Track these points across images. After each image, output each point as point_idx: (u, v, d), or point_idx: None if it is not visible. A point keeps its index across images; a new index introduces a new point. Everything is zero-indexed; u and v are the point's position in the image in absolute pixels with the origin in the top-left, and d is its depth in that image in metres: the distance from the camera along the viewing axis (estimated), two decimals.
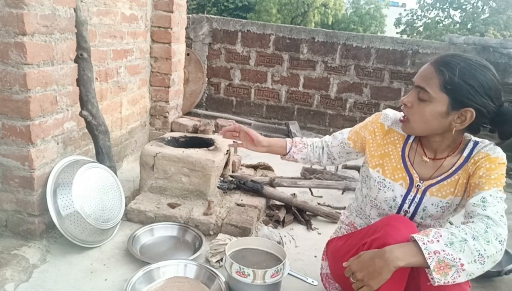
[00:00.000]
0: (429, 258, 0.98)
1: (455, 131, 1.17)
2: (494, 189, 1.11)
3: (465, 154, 1.22)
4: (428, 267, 0.98)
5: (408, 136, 1.31)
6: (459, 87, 1.10)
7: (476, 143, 1.23)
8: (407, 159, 1.29)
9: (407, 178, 1.28)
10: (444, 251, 0.98)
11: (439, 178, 1.24)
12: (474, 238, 1.00)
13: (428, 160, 1.26)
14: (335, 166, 1.59)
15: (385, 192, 1.30)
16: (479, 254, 0.99)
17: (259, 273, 1.44)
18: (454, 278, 0.98)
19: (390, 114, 1.37)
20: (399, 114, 1.34)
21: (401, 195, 1.28)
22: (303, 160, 1.55)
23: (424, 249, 0.99)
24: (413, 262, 1.00)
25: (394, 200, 1.29)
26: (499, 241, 1.01)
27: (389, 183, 1.30)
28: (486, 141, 1.23)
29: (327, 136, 1.56)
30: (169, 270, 1.64)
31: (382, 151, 1.34)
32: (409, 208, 1.28)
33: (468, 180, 1.20)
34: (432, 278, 0.99)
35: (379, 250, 1.04)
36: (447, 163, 1.24)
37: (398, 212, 1.30)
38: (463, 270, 0.98)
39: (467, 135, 1.26)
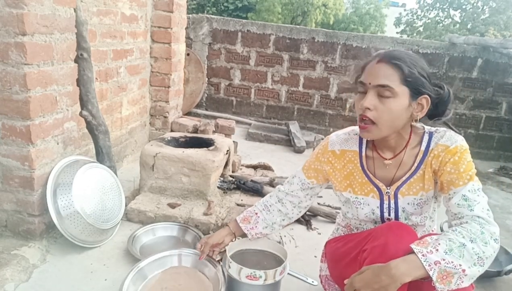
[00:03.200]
0: (431, 270, 0.98)
1: (417, 121, 1.19)
2: (470, 183, 1.12)
3: (423, 147, 1.22)
4: (431, 278, 0.98)
5: (360, 149, 1.31)
6: (416, 77, 1.13)
7: (431, 134, 1.23)
8: (367, 171, 1.29)
9: (375, 189, 1.28)
10: (444, 260, 0.98)
11: (404, 178, 1.24)
12: (472, 240, 1.01)
13: (390, 162, 1.25)
14: (304, 211, 1.56)
15: (362, 208, 1.31)
16: (478, 256, 1.00)
17: (270, 273, 1.44)
18: (458, 284, 0.99)
19: (334, 138, 1.37)
20: (342, 134, 1.37)
21: (377, 206, 1.29)
22: (267, 229, 1.52)
23: (424, 261, 0.99)
24: (418, 275, 1.00)
25: (373, 213, 1.30)
26: (494, 239, 1.03)
27: (362, 198, 1.31)
28: (440, 129, 1.24)
29: (279, 187, 1.53)
30: (164, 261, 1.59)
31: (344, 172, 1.34)
32: (389, 215, 1.28)
33: (436, 174, 1.20)
34: (436, 288, 1.00)
35: (384, 265, 1.03)
36: (407, 158, 1.24)
37: (382, 221, 1.30)
38: (465, 275, 0.99)
39: (420, 127, 1.26)
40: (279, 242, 1.93)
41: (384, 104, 1.14)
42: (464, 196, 1.11)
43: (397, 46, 4.15)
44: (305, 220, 2.28)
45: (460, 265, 0.98)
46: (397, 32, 18.31)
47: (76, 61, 1.81)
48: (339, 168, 1.35)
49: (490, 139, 4.42)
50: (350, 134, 1.36)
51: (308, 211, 2.34)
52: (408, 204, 1.26)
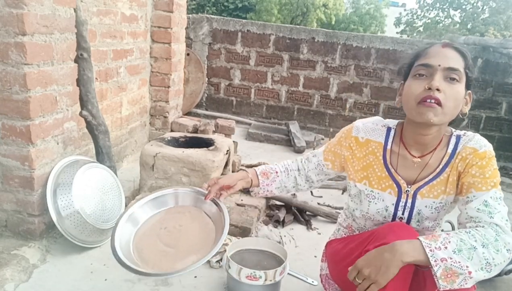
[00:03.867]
0: (436, 266, 0.97)
1: (465, 114, 1.19)
2: (493, 190, 1.10)
3: (450, 149, 1.21)
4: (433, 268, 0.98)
5: (386, 142, 1.28)
6: (472, 69, 1.14)
7: (458, 137, 1.22)
8: (390, 166, 1.26)
9: (394, 185, 1.25)
10: (451, 258, 0.97)
11: (426, 179, 1.22)
12: (484, 245, 1.00)
13: (419, 160, 1.23)
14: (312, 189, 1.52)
15: (375, 203, 1.28)
16: (487, 262, 0.98)
17: (270, 274, 1.44)
18: (461, 285, 0.98)
19: (360, 125, 1.33)
20: (368, 123, 1.33)
21: (392, 204, 1.26)
22: (278, 190, 1.45)
23: (431, 256, 0.98)
24: (420, 260, 0.99)
25: (386, 210, 1.27)
26: (507, 250, 1.01)
27: (378, 193, 1.27)
28: (469, 133, 1.22)
29: (301, 157, 1.48)
30: (166, 199, 1.46)
31: (363, 163, 1.30)
32: (403, 214, 1.25)
33: (459, 177, 1.18)
34: (438, 286, 0.99)
35: (388, 244, 1.03)
36: (433, 160, 1.22)
37: (393, 220, 1.28)
38: (471, 277, 0.97)
39: (448, 129, 1.25)
40: (279, 242, 1.93)
41: (452, 88, 1.11)
42: (486, 202, 1.09)
43: (397, 46, 4.15)
44: (305, 220, 2.28)
45: (467, 266, 0.97)
46: (397, 32, 18.30)
47: (76, 61, 1.81)
48: (359, 157, 1.31)
49: (490, 139, 4.35)
50: (378, 125, 1.32)
51: (308, 211, 2.34)
52: (426, 206, 1.23)
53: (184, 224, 1.38)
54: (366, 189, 1.29)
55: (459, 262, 0.97)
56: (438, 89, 1.10)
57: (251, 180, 1.41)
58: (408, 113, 1.19)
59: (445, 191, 1.21)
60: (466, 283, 0.98)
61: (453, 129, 1.25)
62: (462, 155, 1.18)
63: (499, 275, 1.89)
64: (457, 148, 1.20)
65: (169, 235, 1.34)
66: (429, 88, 1.10)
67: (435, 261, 0.97)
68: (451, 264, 0.97)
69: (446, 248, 0.98)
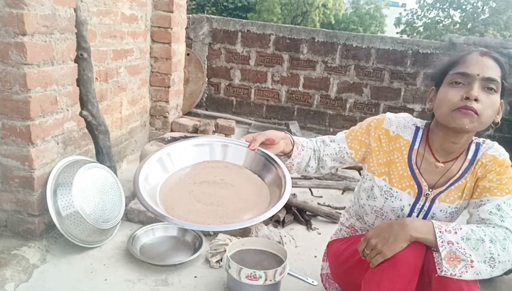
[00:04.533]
0: (442, 246, 1.00)
1: (498, 124, 1.17)
2: (508, 196, 1.12)
3: (469, 156, 1.21)
4: (439, 251, 1.00)
5: (414, 142, 1.26)
6: (508, 80, 1.13)
7: (478, 144, 1.22)
8: (414, 166, 1.24)
9: (415, 186, 1.23)
10: (458, 243, 1.00)
11: (447, 184, 1.22)
12: (492, 241, 1.01)
13: (442, 165, 1.22)
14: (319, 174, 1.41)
15: (392, 201, 1.25)
16: (492, 257, 1.00)
17: (270, 274, 1.44)
18: (462, 272, 1.00)
19: (393, 118, 1.30)
20: (400, 118, 1.30)
21: (409, 204, 1.24)
22: (297, 166, 1.33)
23: (439, 237, 1.01)
24: (428, 239, 1.03)
25: (402, 210, 1.25)
26: None
27: (396, 192, 1.25)
28: (488, 141, 1.23)
29: (317, 139, 1.38)
30: (197, 152, 1.23)
31: (387, 157, 1.27)
32: (417, 216, 1.24)
33: (476, 182, 1.19)
34: (440, 268, 1.01)
35: (399, 219, 1.07)
36: (455, 167, 1.22)
37: None
38: (472, 266, 0.99)
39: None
40: (279, 242, 1.93)
41: (489, 98, 1.10)
42: (499, 206, 1.10)
43: (397, 46, 4.15)
44: (305, 220, 2.28)
45: (470, 255, 0.99)
46: (397, 32, 18.30)
47: (76, 61, 1.81)
48: (385, 150, 1.28)
49: (490, 139, 4.42)
50: (409, 122, 1.29)
51: (308, 211, 2.34)
52: (441, 210, 1.23)
53: (225, 178, 1.17)
54: (385, 185, 1.27)
55: (464, 249, 1.00)
56: (476, 99, 1.08)
57: (292, 144, 1.28)
58: (441, 118, 1.16)
59: (461, 197, 1.21)
60: (466, 272, 1.00)
61: (473, 137, 1.24)
62: (482, 161, 1.19)
63: (499, 275, 1.88)
64: (477, 155, 1.21)
65: (207, 191, 1.12)
66: (467, 98, 1.08)
67: (442, 242, 1.00)
68: (456, 249, 0.99)
69: (456, 233, 1.02)
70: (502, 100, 1.15)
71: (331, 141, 1.36)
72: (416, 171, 1.24)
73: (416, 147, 1.26)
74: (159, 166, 1.16)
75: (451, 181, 1.21)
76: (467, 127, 1.10)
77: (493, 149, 1.20)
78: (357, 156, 1.33)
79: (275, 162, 1.19)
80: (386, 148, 1.28)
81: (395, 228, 1.05)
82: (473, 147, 1.22)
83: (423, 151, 1.25)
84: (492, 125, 1.17)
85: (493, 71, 1.10)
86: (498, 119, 1.17)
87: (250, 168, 1.21)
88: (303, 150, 1.32)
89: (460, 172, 1.21)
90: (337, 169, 1.56)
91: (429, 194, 1.22)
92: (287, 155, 1.29)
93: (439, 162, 1.22)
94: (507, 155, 1.19)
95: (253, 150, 1.21)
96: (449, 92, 1.13)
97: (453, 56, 1.19)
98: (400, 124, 1.29)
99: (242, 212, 1.06)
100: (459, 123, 1.10)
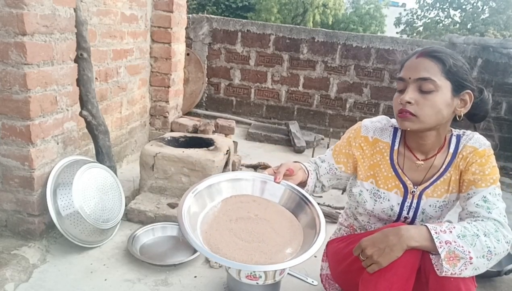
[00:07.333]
0: (440, 247, 1.00)
1: (460, 117, 1.17)
2: (492, 186, 1.14)
3: (451, 150, 1.23)
4: (439, 254, 1.00)
5: (393, 143, 1.29)
6: (458, 70, 1.12)
7: (458, 137, 1.24)
8: (397, 166, 1.27)
9: (401, 185, 1.27)
10: (455, 242, 1.00)
11: (431, 179, 1.24)
12: (486, 234, 1.03)
13: (422, 163, 1.24)
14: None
15: (381, 203, 1.29)
16: (489, 250, 1.01)
17: (270, 274, 1.44)
18: (461, 270, 1.00)
19: (369, 124, 1.33)
20: (376, 122, 1.33)
21: (398, 203, 1.28)
22: (310, 191, 1.36)
23: (436, 238, 1.01)
24: (426, 245, 1.02)
25: (392, 209, 1.29)
26: (506, 242, 1.04)
27: (384, 193, 1.29)
28: (468, 132, 1.24)
29: (312, 161, 1.43)
30: (220, 188, 1.22)
31: (371, 161, 1.32)
32: (408, 214, 1.27)
33: (461, 175, 1.21)
34: (438, 269, 1.01)
35: (394, 228, 1.06)
36: (437, 162, 1.24)
37: (398, 219, 1.29)
38: (471, 263, 1.00)
39: (448, 129, 1.26)
40: None
41: (426, 99, 1.11)
42: (484, 198, 1.12)
43: (397, 46, 4.15)
44: None
45: (469, 252, 1.00)
46: (397, 32, 18.31)
47: (76, 61, 1.81)
48: (368, 156, 1.32)
49: (490, 139, 4.41)
50: (386, 125, 1.33)
51: None
52: (430, 206, 1.25)
53: (259, 213, 1.19)
54: (373, 188, 1.31)
55: (462, 247, 1.00)
56: (409, 102, 1.12)
57: (306, 173, 1.33)
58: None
59: (448, 190, 1.23)
60: (466, 269, 1.00)
61: (453, 129, 1.26)
62: (463, 154, 1.20)
63: (499, 275, 1.89)
64: (458, 147, 1.22)
65: (245, 227, 1.13)
66: (401, 102, 1.14)
67: (440, 242, 1.00)
68: (455, 247, 1.00)
69: (451, 232, 1.02)
70: (467, 91, 1.14)
71: (321, 161, 1.41)
72: (399, 171, 1.27)
73: (396, 147, 1.29)
74: (195, 201, 1.17)
75: (435, 176, 1.24)
76: (409, 129, 1.16)
77: (473, 140, 1.21)
78: (347, 169, 1.37)
79: (299, 191, 1.25)
80: (368, 153, 1.32)
81: (390, 238, 1.03)
82: (454, 140, 1.23)
83: (404, 151, 1.28)
84: (457, 118, 1.18)
85: (426, 71, 1.11)
86: (461, 112, 1.16)
87: (287, 206, 1.25)
88: (311, 174, 1.36)
89: (444, 166, 1.23)
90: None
91: (415, 191, 1.25)
92: (303, 183, 1.32)
93: (419, 160, 1.25)
94: (487, 143, 1.20)
95: (278, 183, 1.24)
96: (394, 99, 1.21)
97: (401, 62, 1.24)
98: (377, 128, 1.32)
99: (282, 247, 1.10)
100: (402, 126, 1.17)
